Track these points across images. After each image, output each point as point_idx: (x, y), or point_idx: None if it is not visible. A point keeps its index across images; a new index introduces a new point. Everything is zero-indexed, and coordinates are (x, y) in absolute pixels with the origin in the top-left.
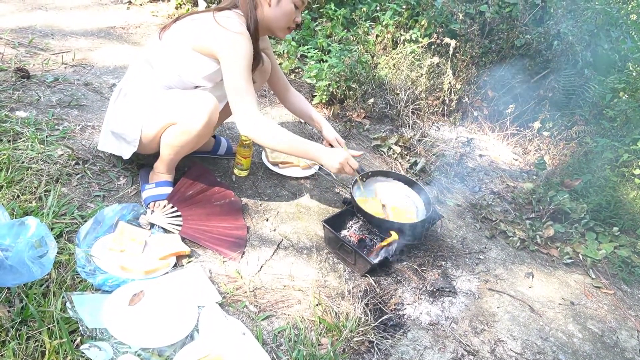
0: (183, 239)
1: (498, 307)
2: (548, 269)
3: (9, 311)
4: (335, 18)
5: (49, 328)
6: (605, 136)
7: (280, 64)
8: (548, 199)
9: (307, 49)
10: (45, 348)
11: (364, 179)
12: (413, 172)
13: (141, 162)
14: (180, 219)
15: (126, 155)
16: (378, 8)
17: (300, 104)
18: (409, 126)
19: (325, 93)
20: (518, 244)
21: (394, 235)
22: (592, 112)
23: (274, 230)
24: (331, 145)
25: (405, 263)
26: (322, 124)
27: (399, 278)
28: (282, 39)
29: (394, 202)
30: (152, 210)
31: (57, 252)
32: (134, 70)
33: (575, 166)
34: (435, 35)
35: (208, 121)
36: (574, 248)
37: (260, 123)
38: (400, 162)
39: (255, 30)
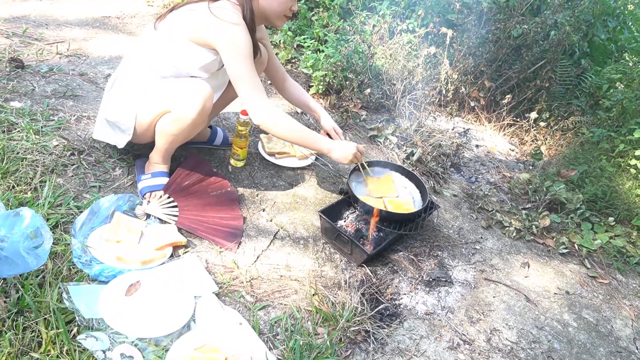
0: (179, 230)
1: (494, 297)
2: (544, 258)
3: (5, 301)
4: (331, 8)
5: (45, 318)
6: (601, 126)
7: (276, 54)
8: (544, 189)
9: (304, 39)
10: (41, 338)
11: (362, 169)
12: (409, 163)
13: (137, 153)
14: (177, 209)
15: (121, 144)
16: None
17: (298, 93)
18: (405, 116)
19: (321, 83)
20: (514, 234)
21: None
22: (589, 103)
23: (271, 220)
24: (329, 135)
25: (401, 253)
26: (320, 113)
27: (395, 268)
28: (280, 28)
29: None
30: (148, 201)
31: (53, 243)
32: (130, 59)
33: (571, 156)
34: (432, 25)
35: (202, 109)
36: (570, 238)
37: (273, 113)
38: (396, 153)
39: (252, 20)
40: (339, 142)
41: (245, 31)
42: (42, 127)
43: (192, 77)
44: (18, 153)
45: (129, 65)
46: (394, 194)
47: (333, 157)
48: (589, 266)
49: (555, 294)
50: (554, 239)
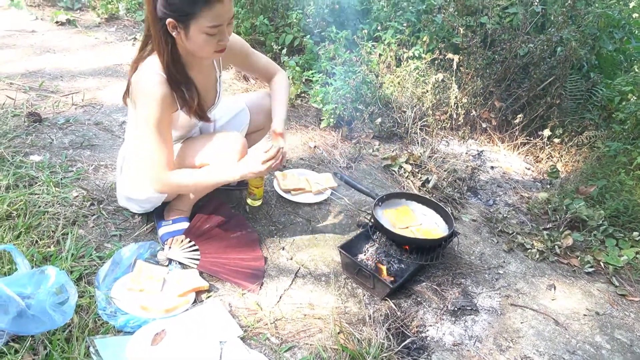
0: (201, 274)
1: (522, 323)
2: (570, 279)
3: (34, 359)
4: (337, 40)
5: None
6: (617, 140)
7: None
8: (564, 208)
9: (312, 73)
10: None
11: (380, 203)
12: (425, 190)
13: None
14: (198, 253)
15: (150, 209)
16: (379, 27)
17: (273, 96)
18: (418, 143)
19: (332, 116)
20: (537, 256)
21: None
22: (602, 116)
23: (291, 258)
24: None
25: (424, 283)
26: (275, 116)
27: (419, 299)
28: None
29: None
30: (170, 246)
31: (78, 296)
32: (127, 139)
33: (589, 172)
34: (437, 51)
35: (240, 159)
36: (595, 256)
37: (166, 183)
38: (412, 181)
39: (177, 68)
40: (243, 160)
41: (155, 103)
42: (61, 179)
43: (182, 140)
44: (40, 207)
45: (130, 144)
46: (418, 222)
47: (248, 176)
48: (617, 284)
49: (584, 315)
50: (579, 258)
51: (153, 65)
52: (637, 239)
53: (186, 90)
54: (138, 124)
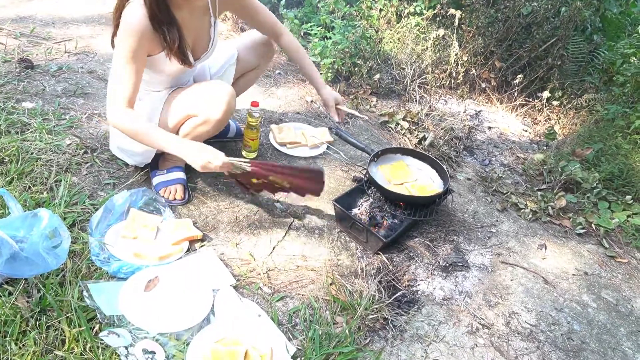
0: (195, 223)
1: (511, 280)
2: (561, 239)
3: (27, 301)
4: None
5: (67, 317)
6: (616, 103)
7: None
8: (559, 170)
9: (310, 26)
10: (65, 336)
11: (376, 159)
12: (422, 148)
13: None
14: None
15: (141, 164)
16: None
17: (293, 54)
18: (416, 101)
19: (330, 70)
20: (530, 216)
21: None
22: (602, 79)
23: (285, 211)
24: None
25: (417, 239)
26: (317, 83)
27: (411, 254)
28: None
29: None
30: (163, 196)
31: (71, 242)
32: None
33: (586, 135)
34: (439, 7)
35: (227, 109)
36: (587, 218)
37: (119, 116)
38: (408, 138)
39: (160, 9)
40: (197, 146)
41: (133, 33)
42: (54, 126)
43: (174, 86)
44: (32, 153)
45: None
46: (413, 178)
47: (187, 161)
48: (607, 246)
49: (573, 275)
50: (571, 220)
51: (140, 3)
52: (629, 202)
53: (168, 30)
54: (114, 53)
